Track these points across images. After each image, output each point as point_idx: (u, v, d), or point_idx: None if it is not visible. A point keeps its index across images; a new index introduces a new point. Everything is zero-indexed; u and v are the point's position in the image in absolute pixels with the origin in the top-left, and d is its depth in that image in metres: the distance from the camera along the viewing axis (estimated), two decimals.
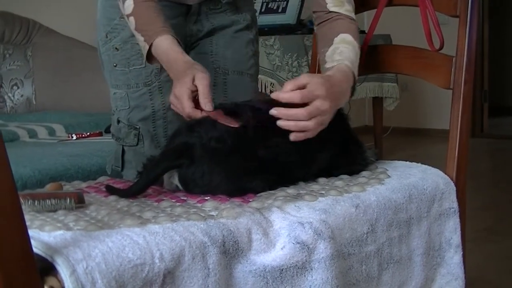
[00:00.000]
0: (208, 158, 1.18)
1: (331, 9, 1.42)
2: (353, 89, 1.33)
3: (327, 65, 1.34)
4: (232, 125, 1.17)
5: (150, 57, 1.37)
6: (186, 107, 1.23)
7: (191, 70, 1.27)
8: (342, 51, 1.35)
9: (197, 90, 1.24)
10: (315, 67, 1.65)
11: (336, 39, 1.37)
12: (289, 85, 1.19)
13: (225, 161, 1.18)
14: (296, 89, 1.17)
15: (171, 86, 1.30)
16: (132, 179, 1.41)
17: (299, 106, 1.17)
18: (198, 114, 1.22)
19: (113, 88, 1.59)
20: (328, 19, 1.42)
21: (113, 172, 1.63)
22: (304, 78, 1.20)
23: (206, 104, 1.22)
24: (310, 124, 1.17)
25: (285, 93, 1.17)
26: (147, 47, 1.34)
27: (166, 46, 1.33)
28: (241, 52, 1.64)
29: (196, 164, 1.18)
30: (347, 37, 1.38)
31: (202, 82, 1.24)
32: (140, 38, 1.37)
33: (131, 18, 1.38)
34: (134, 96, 1.55)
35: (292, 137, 1.17)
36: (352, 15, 1.43)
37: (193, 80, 1.24)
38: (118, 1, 1.41)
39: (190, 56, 1.62)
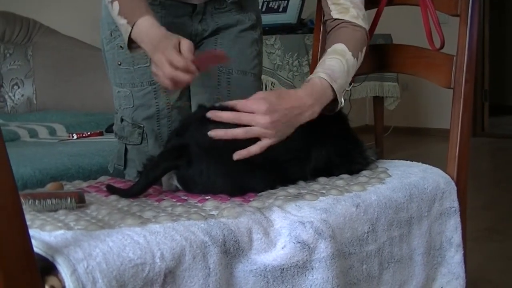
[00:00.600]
0: (206, 158, 1.18)
1: (335, 16, 1.42)
2: (335, 99, 1.30)
3: (307, 79, 1.33)
4: (223, 62, 1.18)
5: (131, 46, 1.36)
6: (179, 61, 1.22)
7: (173, 36, 1.27)
8: (325, 63, 1.33)
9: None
10: (315, 67, 1.64)
11: (329, 51, 1.36)
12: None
13: (224, 160, 1.18)
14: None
15: None
16: (134, 178, 1.41)
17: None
18: (182, 61, 1.22)
19: (117, 87, 1.58)
20: (333, 27, 1.42)
21: (115, 171, 1.63)
22: (255, 95, 1.23)
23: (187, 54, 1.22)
24: (239, 132, 1.18)
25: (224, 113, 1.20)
26: (130, 29, 1.33)
27: (148, 24, 1.32)
28: (246, 52, 1.64)
29: (195, 164, 1.18)
30: (339, 46, 1.36)
31: (187, 47, 1.24)
32: (123, 22, 1.35)
33: (115, 3, 1.36)
34: (138, 95, 1.55)
35: (235, 156, 1.18)
36: (359, 21, 1.41)
37: (179, 44, 1.24)
38: None
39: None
